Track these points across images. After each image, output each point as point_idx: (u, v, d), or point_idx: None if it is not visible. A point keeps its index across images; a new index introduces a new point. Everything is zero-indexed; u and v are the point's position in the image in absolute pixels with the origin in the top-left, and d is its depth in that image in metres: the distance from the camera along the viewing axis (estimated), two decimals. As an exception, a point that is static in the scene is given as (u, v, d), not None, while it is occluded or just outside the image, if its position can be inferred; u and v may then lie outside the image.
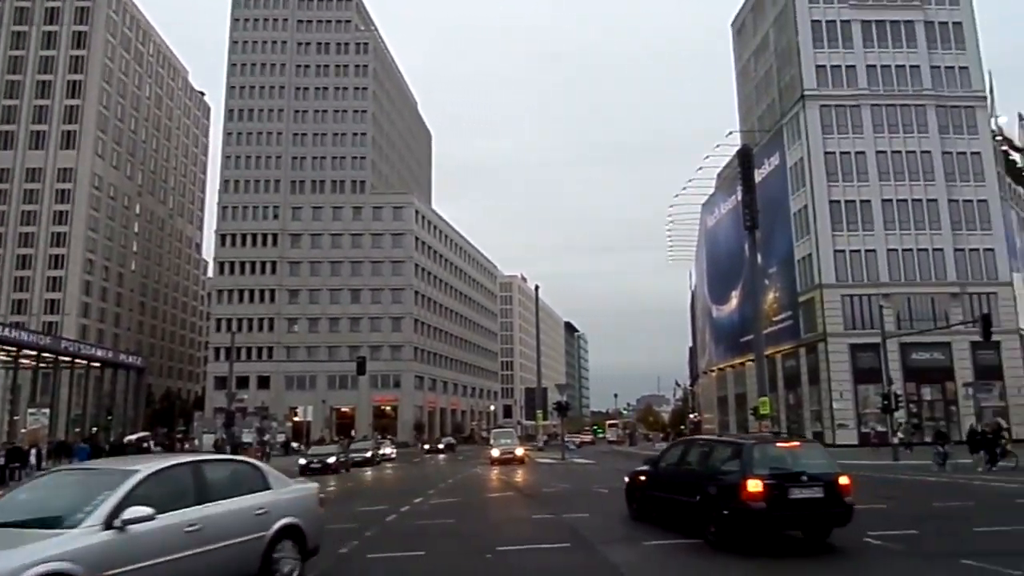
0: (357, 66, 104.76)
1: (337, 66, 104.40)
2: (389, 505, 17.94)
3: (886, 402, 35.18)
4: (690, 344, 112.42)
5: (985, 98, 59.48)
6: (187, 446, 55.55)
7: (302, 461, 36.91)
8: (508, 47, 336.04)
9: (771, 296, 61.13)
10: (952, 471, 25.97)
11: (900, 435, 43.42)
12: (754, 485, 10.08)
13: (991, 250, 55.27)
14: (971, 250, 55.02)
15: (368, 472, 38.33)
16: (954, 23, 58.83)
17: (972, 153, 56.73)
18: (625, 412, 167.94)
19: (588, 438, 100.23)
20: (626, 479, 15.22)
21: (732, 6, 76.00)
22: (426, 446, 74.91)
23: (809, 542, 10.83)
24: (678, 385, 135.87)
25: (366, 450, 46.56)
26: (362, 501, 19.99)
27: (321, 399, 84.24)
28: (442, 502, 19.12)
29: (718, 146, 59.85)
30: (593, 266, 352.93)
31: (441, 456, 62.21)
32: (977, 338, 38.84)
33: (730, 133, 62.87)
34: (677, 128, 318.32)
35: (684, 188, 73.76)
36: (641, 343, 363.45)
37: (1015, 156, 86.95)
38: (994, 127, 67.60)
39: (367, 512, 16.68)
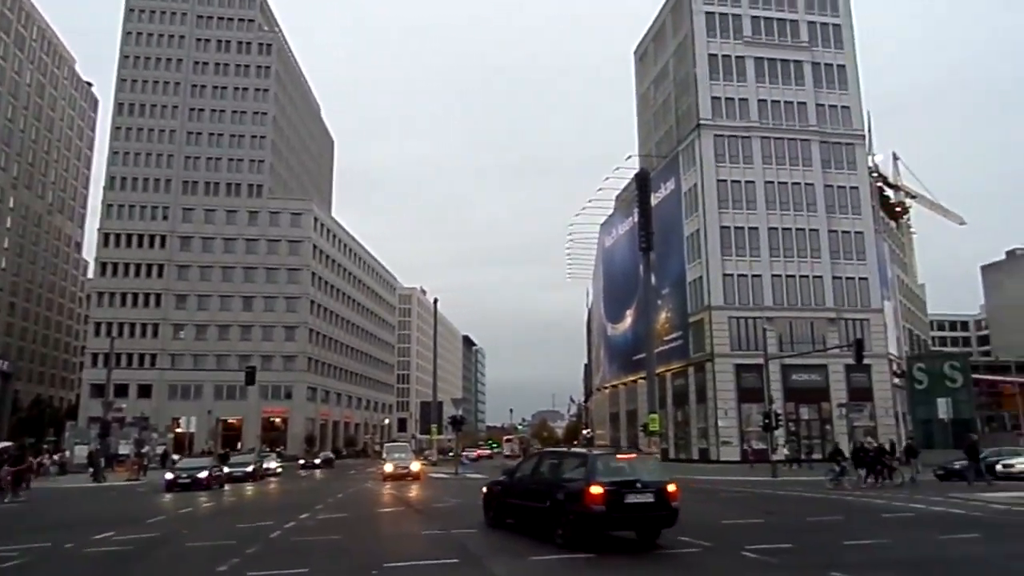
0: (259, 67, 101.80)
1: (237, 65, 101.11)
2: (273, 521, 17.29)
3: (767, 420, 36.77)
4: (585, 361, 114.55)
5: (864, 136, 63.55)
6: (55, 457, 51.98)
7: (168, 476, 33.31)
8: (417, 58, 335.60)
9: (663, 316, 63.02)
10: (851, 487, 27.24)
11: (786, 452, 45.57)
12: (596, 491, 11.65)
13: (865, 279, 58.90)
14: (847, 278, 58.47)
15: (249, 487, 35.77)
16: (838, 65, 62.68)
17: (851, 187, 60.40)
18: (521, 427, 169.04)
19: (486, 452, 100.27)
20: (484, 489, 16.31)
21: (639, 32, 78.38)
22: (301, 461, 69.03)
23: (650, 547, 11.09)
24: (573, 401, 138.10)
25: (247, 464, 42.28)
26: (243, 517, 19.19)
27: (207, 409, 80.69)
28: (330, 518, 18.59)
29: (617, 168, 61.67)
30: (494, 280, 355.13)
31: (318, 472, 57.25)
32: (851, 361, 41.25)
33: (629, 157, 64.73)
34: (582, 147, 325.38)
35: (584, 208, 75.42)
36: (538, 359, 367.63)
37: (889, 192, 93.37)
38: (871, 164, 72.37)
39: (248, 528, 16.02)
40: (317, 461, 67.43)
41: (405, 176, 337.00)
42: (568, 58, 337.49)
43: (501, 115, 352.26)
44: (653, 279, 51.82)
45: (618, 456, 13.60)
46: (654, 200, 52.93)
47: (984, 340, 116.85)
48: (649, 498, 11.99)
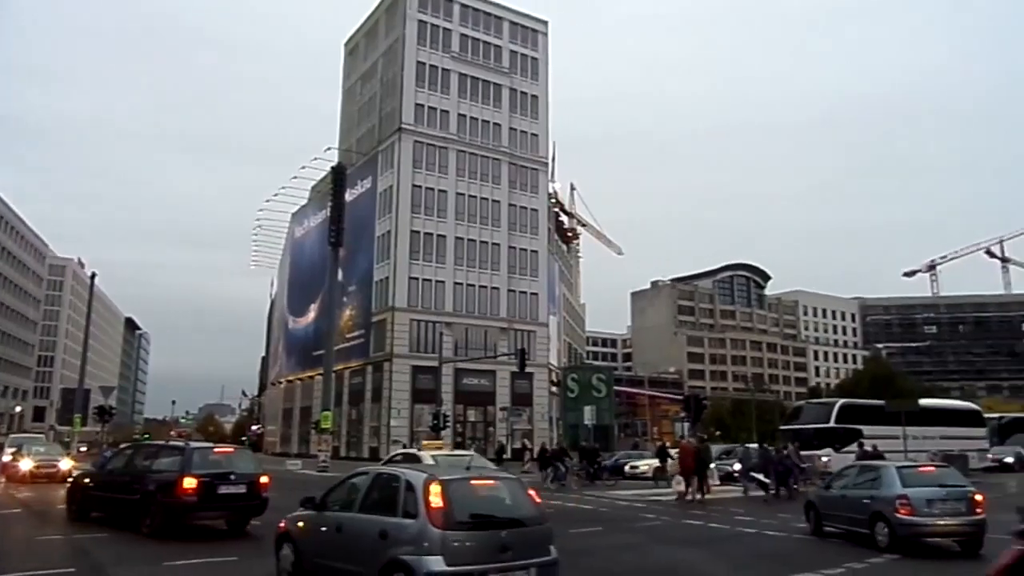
0: None
1: None
2: None
3: (436, 421, 38.08)
4: (264, 354, 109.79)
5: (547, 164, 69.23)
6: None
7: None
8: (109, 7, 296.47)
9: (348, 313, 62.63)
10: (566, 489, 27.82)
11: (496, 452, 47.29)
12: (189, 482, 12.41)
13: (536, 294, 64.05)
14: (521, 292, 63.10)
15: None
16: (532, 95, 67.65)
17: (532, 209, 65.40)
18: (185, 420, 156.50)
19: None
20: (68, 481, 16.90)
21: (351, 24, 77.18)
22: None
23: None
24: (245, 395, 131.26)
25: None
26: None
27: None
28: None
29: (315, 159, 60.14)
30: (171, 260, 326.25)
31: None
32: (516, 369, 44.29)
33: (328, 149, 63.38)
34: (279, 131, 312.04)
35: (276, 194, 72.30)
36: (213, 349, 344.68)
37: (564, 218, 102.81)
38: (551, 190, 79.13)
39: None
40: None
41: (73, 135, 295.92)
42: (275, 38, 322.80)
43: (192, 85, 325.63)
44: (340, 275, 51.27)
45: (216, 449, 14.80)
46: (349, 196, 52.49)
47: (628, 357, 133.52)
48: (242, 489, 13.03)
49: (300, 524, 8.83)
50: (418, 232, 59.63)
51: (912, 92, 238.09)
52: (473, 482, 7.89)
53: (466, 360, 55.12)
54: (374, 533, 7.39)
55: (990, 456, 43.88)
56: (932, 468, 14.67)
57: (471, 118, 64.06)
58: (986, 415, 49.94)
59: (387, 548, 7.14)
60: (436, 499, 7.11)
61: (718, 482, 26.85)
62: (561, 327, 78.63)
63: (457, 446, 55.43)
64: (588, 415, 40.29)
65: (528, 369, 47.40)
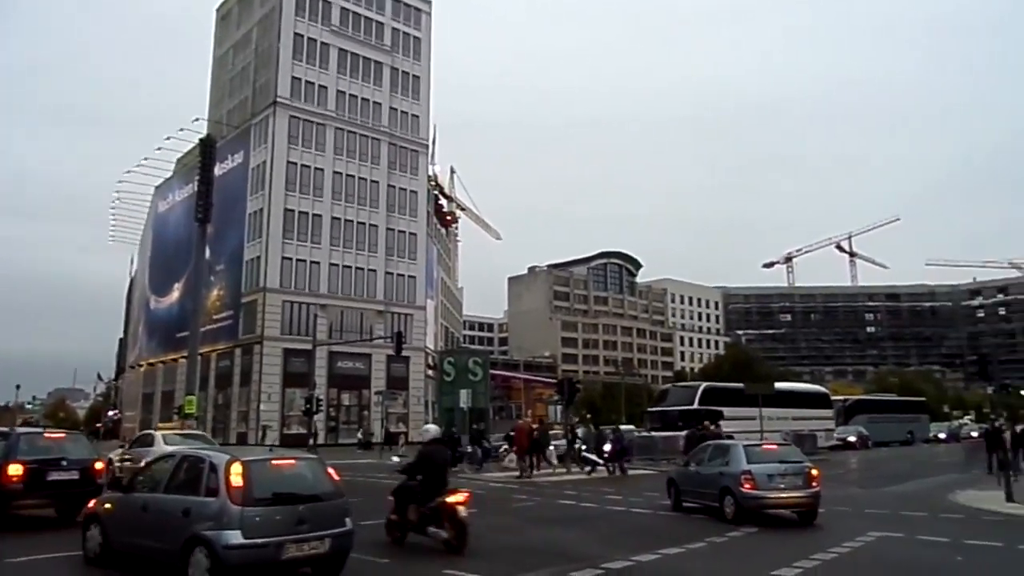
0: None
1: None
2: None
3: (308, 405, 37.11)
4: (121, 335, 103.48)
5: (428, 146, 68.60)
6: None
7: None
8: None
9: (216, 293, 59.97)
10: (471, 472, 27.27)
11: (360, 436, 46.25)
12: (14, 469, 12.09)
13: (414, 277, 63.51)
14: (399, 275, 62.40)
15: None
16: (414, 75, 66.71)
17: (411, 191, 64.67)
18: (32, 406, 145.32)
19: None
20: None
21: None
22: None
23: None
24: (100, 379, 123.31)
25: None
26: None
27: None
28: None
29: (182, 130, 56.63)
30: (11, 234, 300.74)
31: None
32: (392, 352, 43.83)
33: (196, 119, 60.03)
34: (145, 101, 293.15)
35: (138, 165, 68.00)
36: (64, 329, 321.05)
37: (443, 201, 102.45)
38: (431, 173, 78.59)
39: None
40: None
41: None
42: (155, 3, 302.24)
43: (48, 45, 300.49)
44: (208, 253, 48.83)
45: (46, 435, 14.48)
46: (219, 170, 50.01)
47: (504, 341, 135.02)
48: (74, 475, 12.74)
49: (107, 505, 9.33)
50: (292, 211, 57.70)
51: (777, 93, 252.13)
52: (274, 462, 8.55)
53: (341, 343, 54.01)
54: (178, 511, 7.93)
55: (835, 435, 47.47)
56: (775, 446, 15.88)
57: (350, 95, 62.45)
58: (833, 398, 54.03)
59: (189, 525, 7.70)
60: (237, 478, 7.69)
61: (556, 462, 27.70)
62: (439, 311, 78.46)
63: (330, 431, 54.54)
64: (464, 399, 40.25)
65: (405, 353, 46.97)
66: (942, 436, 60.85)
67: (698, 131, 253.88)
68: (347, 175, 60.87)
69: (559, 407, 44.18)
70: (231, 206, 56.65)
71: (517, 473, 24.76)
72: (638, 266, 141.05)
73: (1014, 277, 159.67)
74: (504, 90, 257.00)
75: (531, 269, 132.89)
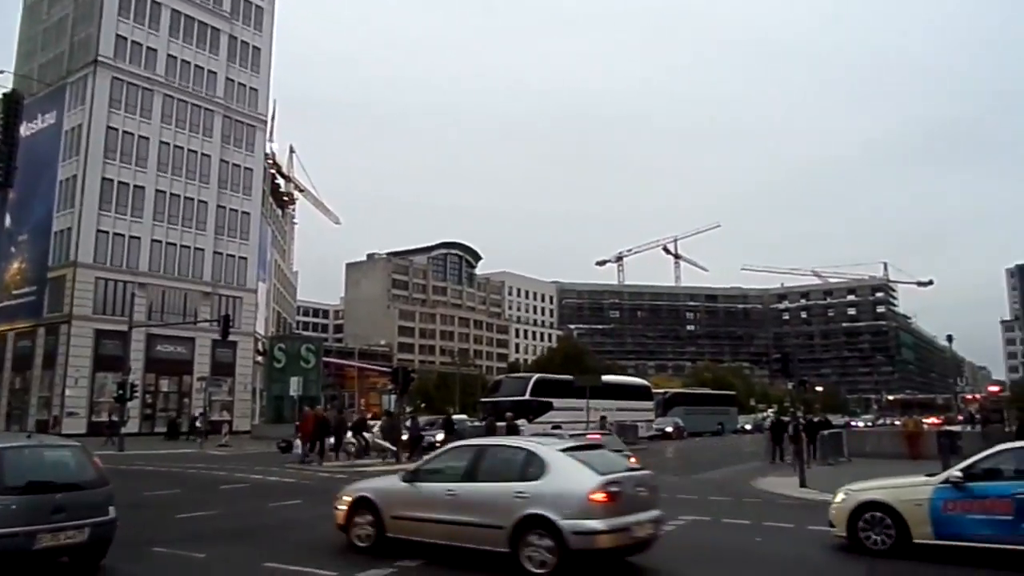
0: None
1: None
2: None
3: (121, 391, 34.54)
4: None
5: (267, 122, 65.60)
6: None
7: None
8: None
9: (16, 266, 54.43)
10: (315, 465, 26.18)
11: (199, 425, 42.99)
12: None
13: (245, 258, 60.56)
14: (228, 255, 59.24)
15: None
16: (255, 47, 63.42)
17: (246, 168, 61.55)
18: None
19: None
20: None
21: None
22: None
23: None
24: None
25: None
26: None
27: None
28: None
29: (-16, 83, 50.53)
30: None
31: None
32: (218, 336, 41.62)
33: (2, 72, 53.92)
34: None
35: (-74, 118, 59.90)
36: None
37: (280, 181, 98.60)
38: (269, 150, 75.34)
39: None
40: None
41: None
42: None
43: None
44: (9, 221, 44.11)
45: None
46: (26, 130, 45.13)
47: (340, 328, 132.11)
48: None
49: None
50: (111, 180, 53.18)
51: (616, 101, 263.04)
52: (29, 450, 8.34)
53: (161, 325, 50.53)
54: None
55: (655, 426, 50.35)
56: (597, 436, 16.63)
57: (183, 61, 58.40)
58: (654, 391, 57.27)
59: None
60: None
61: (352, 449, 27.75)
62: (271, 294, 75.51)
63: (146, 419, 51.00)
64: (295, 386, 39.18)
65: (232, 337, 44.60)
66: (748, 427, 66.22)
67: (540, 130, 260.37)
68: (175, 146, 56.94)
69: (393, 396, 43.79)
70: (39, 171, 51.45)
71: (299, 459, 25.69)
72: (478, 258, 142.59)
73: (815, 284, 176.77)
74: (353, 73, 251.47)
75: (370, 256, 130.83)
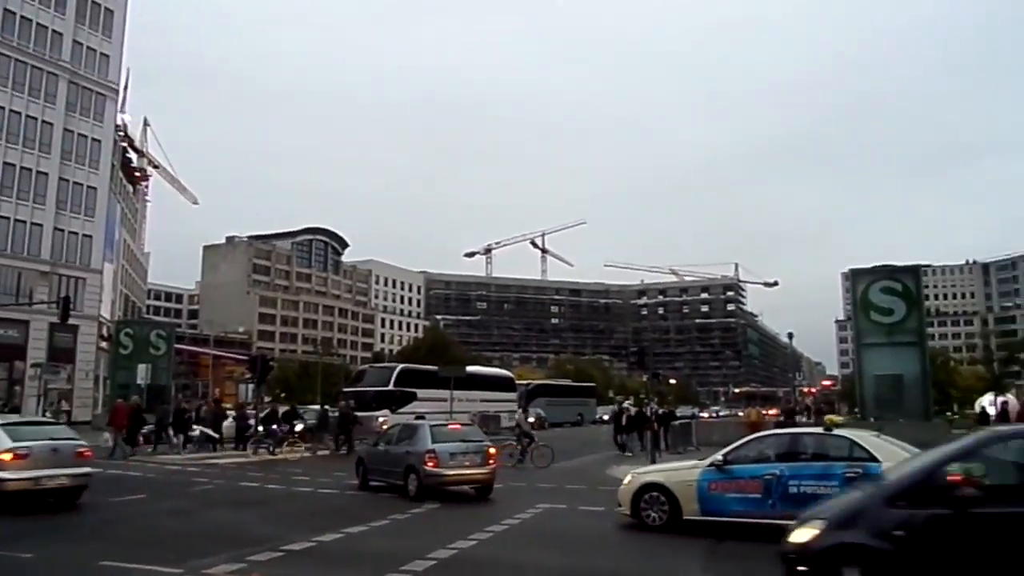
0: None
1: None
2: None
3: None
4: None
5: (118, 91, 61.23)
6: None
7: None
8: None
9: None
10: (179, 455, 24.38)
11: (48, 414, 39.21)
12: None
13: (90, 236, 56.35)
14: (71, 232, 54.93)
15: None
16: (107, 8, 58.87)
17: (94, 139, 57.22)
18: None
19: None
20: None
21: None
22: None
23: None
24: None
25: None
26: None
27: None
28: None
29: None
30: None
31: None
32: (57, 319, 38.64)
33: None
34: None
35: None
36: None
37: (132, 155, 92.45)
38: (120, 122, 70.44)
39: None
40: None
41: None
42: None
43: None
44: None
45: None
46: None
47: (194, 314, 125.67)
48: None
49: None
50: (-67, 145, 48.11)
51: (489, 91, 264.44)
52: None
53: (-10, 305, 46.32)
54: None
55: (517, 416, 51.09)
56: (459, 426, 16.88)
57: (23, 18, 53.36)
58: (518, 382, 58.25)
59: None
60: None
61: (175, 440, 26.59)
62: (119, 276, 70.76)
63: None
64: (142, 374, 36.85)
65: (73, 321, 41.54)
66: (606, 418, 68.56)
67: (414, 117, 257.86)
68: (12, 111, 52.05)
69: (251, 385, 42.16)
70: None
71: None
72: (345, 245, 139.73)
73: (672, 282, 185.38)
74: (218, 47, 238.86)
75: (230, 239, 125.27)
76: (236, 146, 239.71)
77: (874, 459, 9.64)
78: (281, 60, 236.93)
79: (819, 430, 11.81)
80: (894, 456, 9.57)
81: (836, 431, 11.20)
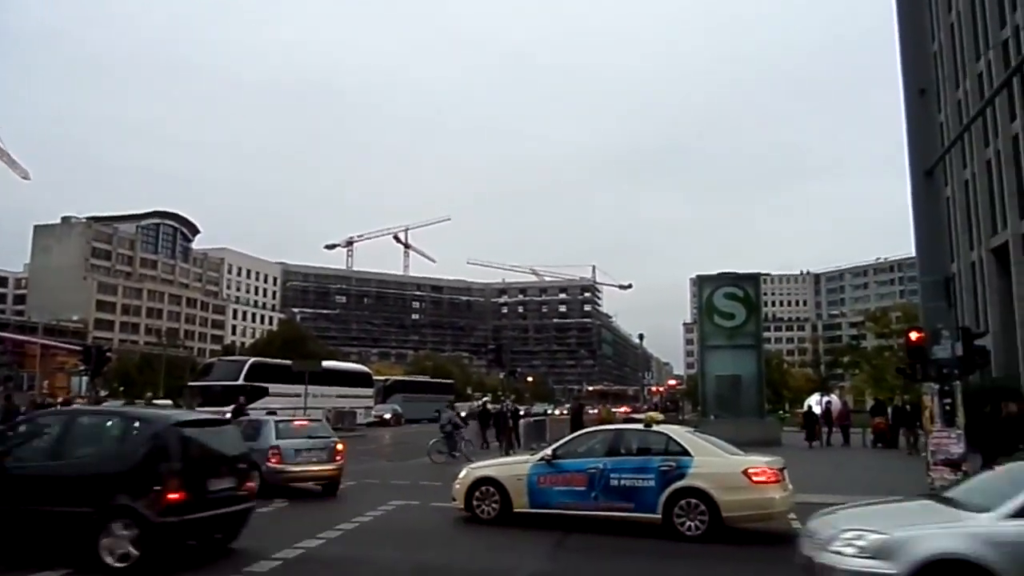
0: None
1: None
2: None
3: None
4: None
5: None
6: None
7: None
8: None
9: None
10: None
11: None
12: None
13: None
14: None
15: None
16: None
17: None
18: None
19: None
20: None
21: None
22: None
23: None
24: None
25: None
26: None
27: None
28: None
29: None
30: None
31: None
32: None
33: None
34: None
35: None
36: None
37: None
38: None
39: None
40: None
41: None
42: None
43: None
44: None
45: None
46: None
47: (21, 299, 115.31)
48: None
49: None
50: None
51: (353, 79, 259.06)
52: None
53: None
54: None
55: (373, 412, 50.65)
56: (306, 422, 16.65)
57: None
58: (375, 377, 57.58)
59: None
60: None
61: None
62: (-69, 255, 63.92)
63: None
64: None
65: None
66: (464, 415, 68.98)
67: (277, 104, 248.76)
68: None
69: (85, 378, 39.25)
70: None
71: None
72: (195, 231, 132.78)
73: (532, 281, 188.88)
74: (62, 10, 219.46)
75: (65, 219, 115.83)
76: (80, 122, 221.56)
77: (687, 453, 10.29)
78: (137, 31, 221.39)
79: (640, 427, 12.35)
80: (706, 451, 10.40)
81: (655, 427, 11.73)
